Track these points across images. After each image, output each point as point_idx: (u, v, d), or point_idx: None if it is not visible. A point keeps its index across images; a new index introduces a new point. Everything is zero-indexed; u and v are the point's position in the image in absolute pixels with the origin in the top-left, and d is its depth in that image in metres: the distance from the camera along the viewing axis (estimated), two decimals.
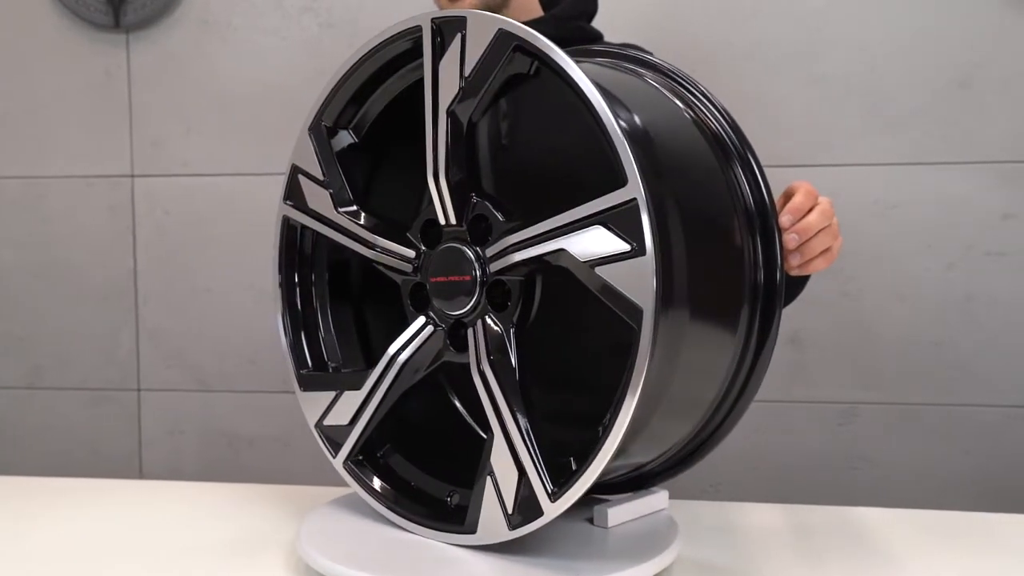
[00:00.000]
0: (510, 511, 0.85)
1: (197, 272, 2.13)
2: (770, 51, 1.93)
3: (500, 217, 0.89)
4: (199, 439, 2.17)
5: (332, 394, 1.01)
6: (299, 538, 0.95)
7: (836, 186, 1.91)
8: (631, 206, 0.76)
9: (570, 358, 0.97)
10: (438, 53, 0.88)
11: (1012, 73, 1.86)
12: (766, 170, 1.01)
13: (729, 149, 1.00)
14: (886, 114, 1.91)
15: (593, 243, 0.80)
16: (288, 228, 1.07)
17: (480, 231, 0.90)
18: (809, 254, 1.03)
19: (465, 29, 0.87)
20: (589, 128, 0.80)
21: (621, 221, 0.79)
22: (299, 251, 1.09)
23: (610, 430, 0.78)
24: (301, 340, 1.09)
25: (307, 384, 1.05)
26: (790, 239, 1.00)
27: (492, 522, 0.87)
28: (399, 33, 0.93)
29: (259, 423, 2.14)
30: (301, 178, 1.02)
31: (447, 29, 0.88)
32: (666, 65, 1.02)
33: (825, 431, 1.96)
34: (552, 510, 0.82)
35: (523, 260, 0.86)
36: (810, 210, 1.03)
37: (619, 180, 0.77)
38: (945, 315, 1.92)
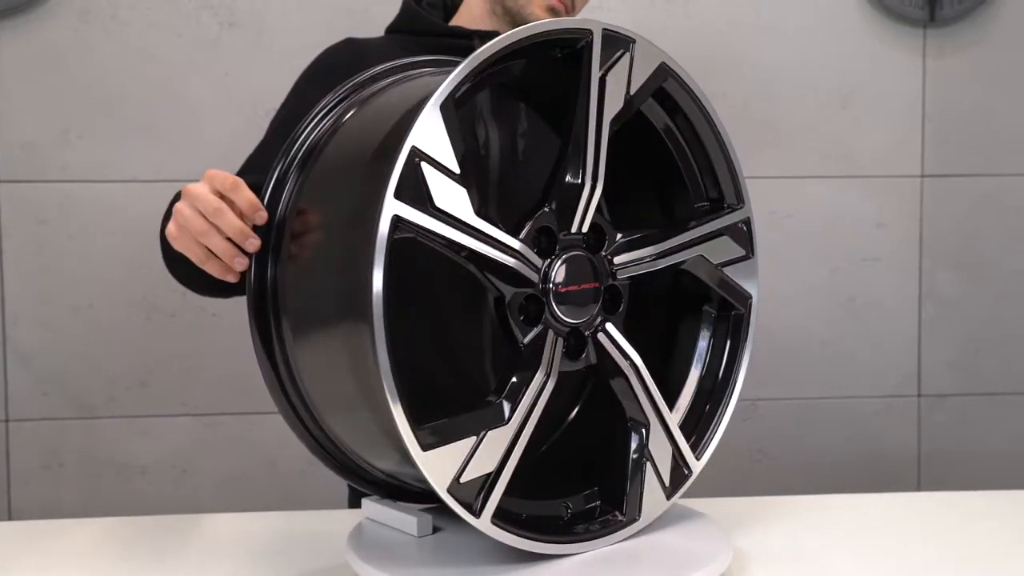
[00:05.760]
0: (667, 484, 0.96)
1: (77, 287, 1.93)
2: None
3: (612, 227, 0.93)
4: (81, 471, 1.96)
5: (469, 443, 0.82)
6: None
7: None
8: (747, 221, 1.02)
9: None
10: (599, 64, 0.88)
11: (883, 96, 2.08)
12: None
13: None
14: (778, 130, 2.07)
15: (723, 249, 1.01)
16: (396, 235, 0.78)
17: (598, 239, 0.92)
18: None
19: (632, 50, 0.89)
20: (684, 155, 1.02)
21: (739, 233, 1.03)
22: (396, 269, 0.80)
23: (733, 390, 1.04)
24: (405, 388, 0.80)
25: (435, 439, 0.81)
26: None
27: (652, 501, 0.95)
28: (564, 29, 0.87)
29: (152, 449, 1.97)
30: (426, 169, 0.79)
31: (608, 43, 0.88)
32: None
33: (728, 427, 2.08)
34: (698, 466, 0.99)
35: (664, 267, 0.94)
36: None
37: (732, 200, 1.03)
38: (831, 316, 2.11)
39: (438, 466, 0.81)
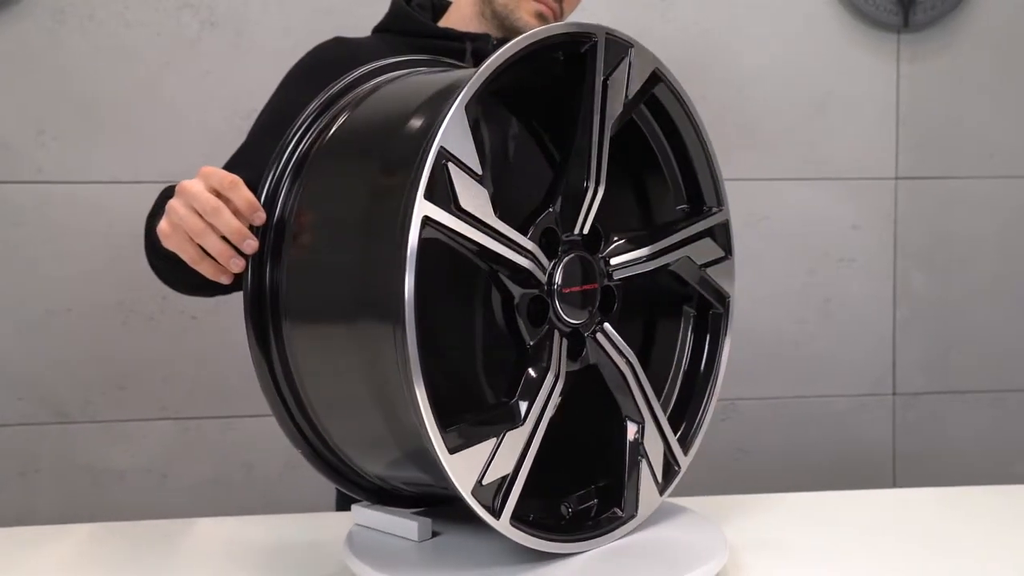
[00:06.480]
0: (660, 480, 0.98)
1: (53, 290, 1.90)
2: None
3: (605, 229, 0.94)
4: (57, 477, 1.93)
5: (490, 444, 0.82)
6: None
7: None
8: (726, 222, 1.05)
9: None
10: (600, 68, 0.89)
11: (858, 100, 2.11)
12: None
13: None
14: (755, 133, 2.09)
15: (706, 251, 1.04)
16: (424, 236, 0.77)
17: (594, 241, 0.93)
18: None
19: (630, 55, 0.90)
20: (666, 158, 1.05)
21: (719, 234, 1.06)
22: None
23: (715, 381, 1.06)
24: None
25: (461, 442, 0.80)
26: None
27: (647, 498, 0.97)
28: (572, 33, 0.87)
29: (130, 455, 1.95)
30: (452, 168, 0.78)
31: (609, 47, 0.89)
32: None
33: (708, 426, 2.10)
34: (685, 461, 1.01)
35: (655, 267, 0.96)
36: None
37: (712, 202, 1.05)
38: (807, 316, 2.14)
39: (463, 469, 0.80)
